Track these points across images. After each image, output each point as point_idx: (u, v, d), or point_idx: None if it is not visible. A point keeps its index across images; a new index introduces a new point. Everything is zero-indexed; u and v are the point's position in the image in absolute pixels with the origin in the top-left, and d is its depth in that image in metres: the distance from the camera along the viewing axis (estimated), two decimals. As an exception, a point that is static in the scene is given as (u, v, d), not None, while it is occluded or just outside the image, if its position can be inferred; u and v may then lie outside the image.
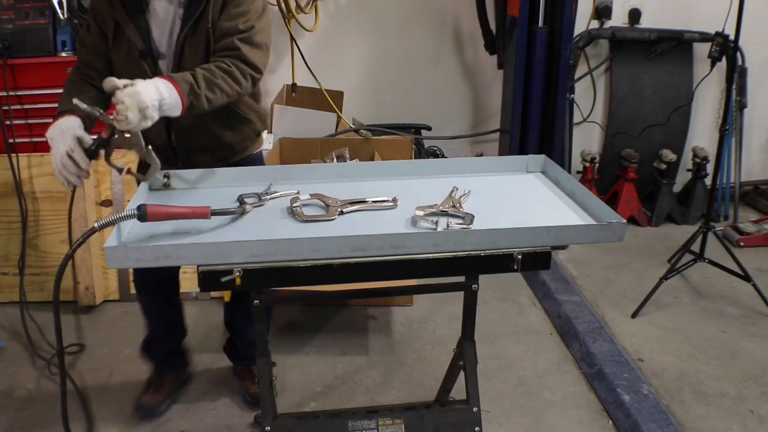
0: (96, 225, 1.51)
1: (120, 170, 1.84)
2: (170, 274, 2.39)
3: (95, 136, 1.75)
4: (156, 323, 2.48)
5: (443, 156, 4.18)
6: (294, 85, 3.93)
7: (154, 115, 1.68)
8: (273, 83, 4.16)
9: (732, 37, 3.03)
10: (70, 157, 1.76)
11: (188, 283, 3.19)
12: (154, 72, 1.98)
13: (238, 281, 1.50)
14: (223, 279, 1.50)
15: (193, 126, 2.03)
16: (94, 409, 2.46)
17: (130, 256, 1.49)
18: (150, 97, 1.66)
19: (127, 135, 1.66)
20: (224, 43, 1.91)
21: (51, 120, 3.13)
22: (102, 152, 1.80)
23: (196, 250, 1.49)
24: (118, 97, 1.63)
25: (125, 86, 1.64)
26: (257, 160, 2.30)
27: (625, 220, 1.65)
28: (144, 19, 1.98)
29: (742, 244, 3.85)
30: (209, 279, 1.50)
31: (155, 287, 2.37)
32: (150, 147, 1.71)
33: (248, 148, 2.23)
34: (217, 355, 2.73)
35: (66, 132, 1.82)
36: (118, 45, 2.00)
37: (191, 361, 2.67)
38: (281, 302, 3.13)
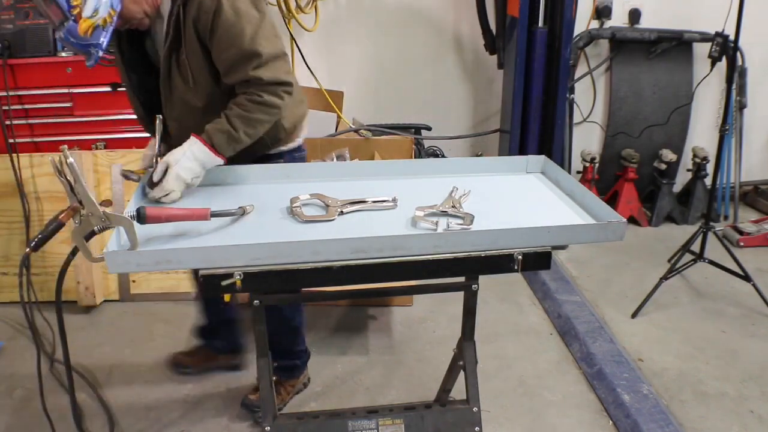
0: (96, 228, 1.51)
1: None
2: None
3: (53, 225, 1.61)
4: (204, 314, 2.61)
5: (443, 156, 4.18)
6: (294, 85, 3.92)
7: (197, 181, 1.86)
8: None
9: (732, 37, 3.03)
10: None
11: (188, 283, 3.19)
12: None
13: (238, 284, 1.50)
14: (224, 282, 1.50)
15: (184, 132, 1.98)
16: (94, 409, 2.46)
17: (131, 261, 1.49)
18: (189, 173, 1.82)
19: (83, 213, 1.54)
20: (239, 76, 1.86)
21: (51, 120, 3.18)
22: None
23: (196, 254, 1.48)
24: (161, 186, 1.80)
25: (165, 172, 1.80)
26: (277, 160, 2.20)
27: (624, 220, 1.65)
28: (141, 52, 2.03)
29: (742, 244, 3.85)
30: (210, 282, 1.50)
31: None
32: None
33: (262, 149, 2.12)
34: (217, 356, 2.74)
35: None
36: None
37: (225, 351, 2.68)
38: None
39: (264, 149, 2.10)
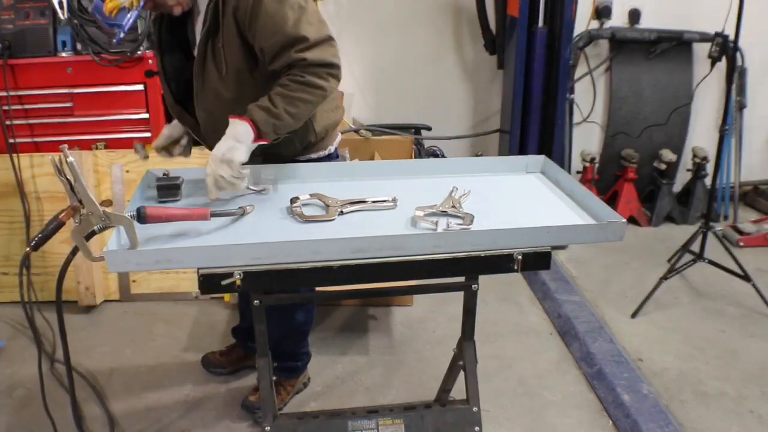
0: (96, 228, 1.51)
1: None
2: None
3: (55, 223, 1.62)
4: (242, 316, 2.63)
5: (443, 156, 4.18)
6: (294, 85, 3.92)
7: (238, 155, 1.75)
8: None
9: (732, 37, 3.03)
10: None
11: (188, 283, 3.20)
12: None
13: (238, 283, 1.51)
14: (224, 282, 1.50)
15: (213, 123, 1.97)
16: (94, 409, 2.46)
17: (131, 260, 1.49)
18: (222, 149, 1.76)
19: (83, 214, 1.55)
20: (284, 60, 1.81)
21: (51, 120, 3.19)
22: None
23: (196, 254, 1.49)
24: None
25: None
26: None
27: (624, 220, 1.65)
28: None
29: (741, 244, 3.85)
30: (209, 281, 1.51)
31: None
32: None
33: (292, 153, 2.09)
34: (217, 355, 2.74)
35: None
36: None
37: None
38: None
39: (293, 153, 2.08)
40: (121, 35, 1.82)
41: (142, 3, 1.80)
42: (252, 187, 1.85)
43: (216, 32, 1.87)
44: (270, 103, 1.79)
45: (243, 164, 1.77)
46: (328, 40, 1.85)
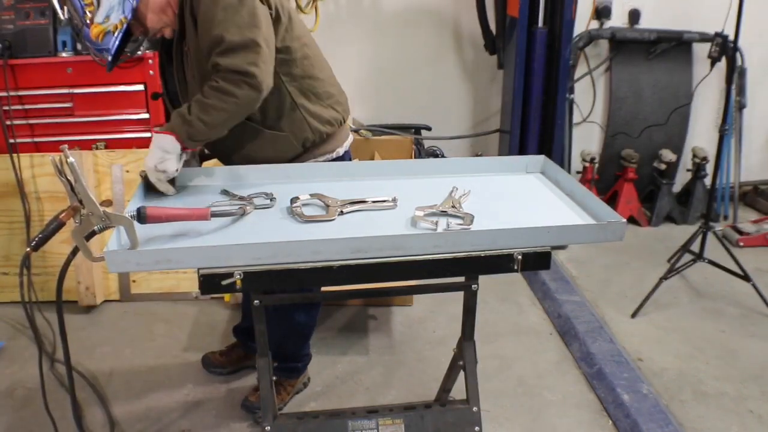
0: (96, 228, 1.51)
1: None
2: None
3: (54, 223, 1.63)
4: (245, 315, 2.63)
5: (443, 156, 4.18)
6: (294, 85, 3.92)
7: (169, 165, 1.81)
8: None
9: (731, 37, 3.03)
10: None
11: (188, 283, 3.20)
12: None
13: (238, 283, 1.51)
14: (224, 282, 1.50)
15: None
16: (94, 408, 2.47)
17: (131, 260, 1.49)
18: (152, 159, 1.81)
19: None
20: (210, 62, 1.82)
21: (51, 120, 3.19)
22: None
23: (196, 254, 1.49)
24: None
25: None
26: None
27: (624, 220, 1.65)
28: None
29: (741, 244, 3.85)
30: (210, 282, 1.51)
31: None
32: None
33: (292, 150, 2.08)
34: (217, 355, 2.74)
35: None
36: None
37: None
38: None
39: (295, 153, 2.06)
40: (110, 59, 1.88)
41: (125, 26, 1.83)
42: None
43: (184, 37, 1.91)
44: (187, 109, 1.81)
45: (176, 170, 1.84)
46: (251, 45, 1.78)
